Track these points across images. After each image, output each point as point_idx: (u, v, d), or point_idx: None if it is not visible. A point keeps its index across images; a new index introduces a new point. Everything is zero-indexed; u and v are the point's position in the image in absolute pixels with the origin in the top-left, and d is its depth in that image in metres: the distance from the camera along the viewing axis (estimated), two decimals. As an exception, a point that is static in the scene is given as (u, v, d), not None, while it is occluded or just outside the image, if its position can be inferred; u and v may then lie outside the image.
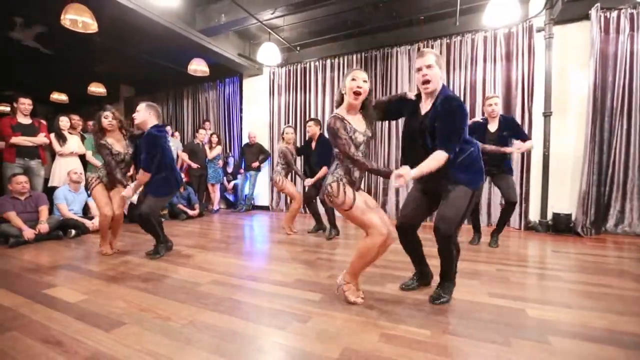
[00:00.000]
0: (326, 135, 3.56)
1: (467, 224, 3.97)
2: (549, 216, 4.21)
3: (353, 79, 1.81)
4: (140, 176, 2.82)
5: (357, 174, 1.90)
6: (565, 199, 4.22)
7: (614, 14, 3.93)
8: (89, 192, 2.96)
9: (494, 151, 3.15)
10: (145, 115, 2.81)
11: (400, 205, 5.29)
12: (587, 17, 4.01)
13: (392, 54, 5.26)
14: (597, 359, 1.34)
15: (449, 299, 1.89)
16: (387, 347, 1.41)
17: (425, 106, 1.86)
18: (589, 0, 3.96)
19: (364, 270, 1.88)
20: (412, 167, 1.86)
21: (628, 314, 1.74)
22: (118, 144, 2.94)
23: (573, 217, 4.07)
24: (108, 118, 2.88)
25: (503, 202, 3.46)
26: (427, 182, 1.90)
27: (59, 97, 7.41)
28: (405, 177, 1.60)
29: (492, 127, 3.24)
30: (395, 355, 1.35)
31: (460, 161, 1.80)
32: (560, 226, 4.06)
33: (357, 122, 1.87)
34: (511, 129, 3.20)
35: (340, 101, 1.91)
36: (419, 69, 1.81)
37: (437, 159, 1.70)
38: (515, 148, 3.22)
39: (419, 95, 1.93)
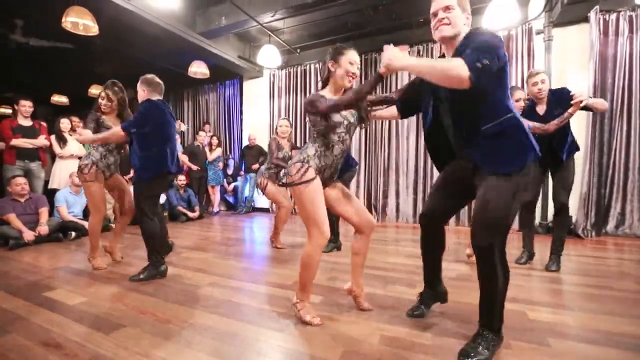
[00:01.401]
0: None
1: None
2: (550, 218, 4.20)
3: (351, 63, 1.62)
4: (113, 132, 2.39)
5: (329, 159, 1.66)
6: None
7: (613, 16, 3.95)
8: (81, 181, 2.59)
9: (557, 125, 2.36)
10: (141, 93, 2.45)
11: (401, 208, 5.33)
12: (586, 19, 4.02)
13: (392, 56, 5.26)
14: (592, 359, 1.34)
15: (487, 359, 1.30)
16: (388, 349, 1.41)
17: None
18: (588, 2, 3.98)
19: (311, 282, 1.69)
20: (441, 167, 1.61)
21: (629, 316, 1.73)
22: (111, 123, 2.64)
23: (574, 219, 4.06)
24: (104, 100, 2.61)
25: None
26: (454, 161, 1.51)
27: (59, 99, 7.42)
28: (391, 58, 1.28)
29: (541, 108, 2.56)
30: (395, 358, 1.34)
31: (488, 130, 1.30)
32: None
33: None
34: (566, 103, 2.37)
35: (327, 81, 1.68)
36: (434, 14, 1.39)
37: (448, 62, 1.21)
38: (576, 102, 2.26)
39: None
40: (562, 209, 2.58)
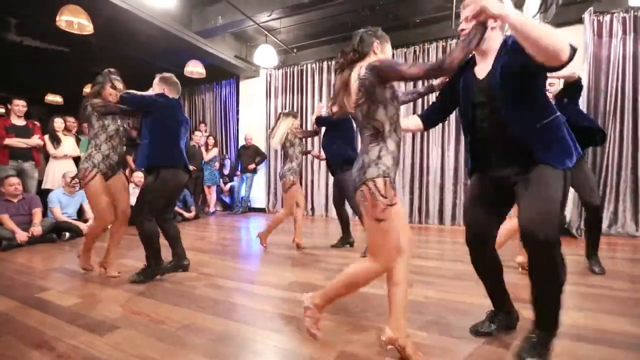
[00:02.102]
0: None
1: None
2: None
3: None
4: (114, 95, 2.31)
5: (398, 161, 1.41)
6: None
7: (607, 17, 3.99)
8: (81, 187, 2.38)
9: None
10: (159, 91, 2.36)
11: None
12: (580, 21, 4.05)
13: (389, 57, 5.28)
14: (591, 359, 1.34)
15: None
16: (384, 349, 1.41)
17: (482, 68, 1.40)
18: (583, 4, 4.02)
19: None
20: (481, 165, 1.46)
21: (622, 314, 1.75)
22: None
23: (567, 219, 4.10)
24: (114, 89, 2.38)
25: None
26: (491, 167, 1.43)
27: (53, 98, 7.36)
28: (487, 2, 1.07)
29: None
30: (391, 357, 1.34)
31: (542, 127, 1.29)
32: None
33: None
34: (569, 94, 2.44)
35: (357, 61, 1.40)
36: (460, 24, 1.41)
37: (554, 32, 1.08)
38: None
39: (467, 63, 1.45)
40: (597, 211, 2.46)
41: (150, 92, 2.40)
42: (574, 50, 1.10)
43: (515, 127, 1.31)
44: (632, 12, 3.88)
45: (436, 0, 4.39)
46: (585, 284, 2.26)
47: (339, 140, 3.22)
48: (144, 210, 2.29)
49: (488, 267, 1.51)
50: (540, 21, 4.23)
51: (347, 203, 3.36)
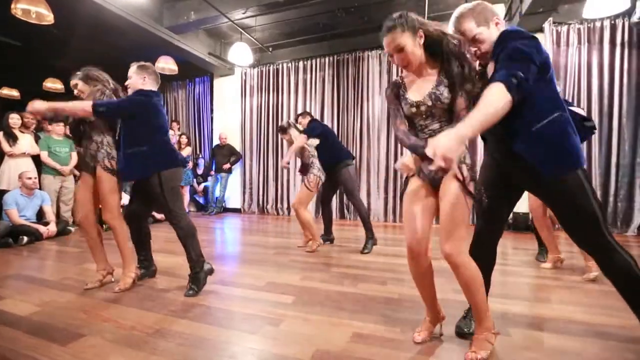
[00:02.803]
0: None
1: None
2: (509, 215, 4.46)
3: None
4: (83, 106, 1.99)
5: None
6: (524, 198, 4.49)
7: (564, 28, 4.28)
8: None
9: None
10: (138, 80, 2.16)
11: (372, 207, 5.43)
12: (541, 30, 4.32)
13: (364, 58, 5.37)
14: (553, 347, 1.44)
15: None
16: (359, 346, 1.43)
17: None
18: (543, 14, 4.28)
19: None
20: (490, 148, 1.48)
21: (579, 305, 1.88)
22: None
23: (531, 217, 4.34)
24: (75, 89, 2.19)
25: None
26: (504, 159, 1.41)
27: (9, 92, 6.83)
28: (444, 149, 1.00)
29: None
30: (366, 355, 1.37)
31: (538, 130, 1.24)
32: (520, 225, 4.33)
33: (417, 87, 1.41)
34: None
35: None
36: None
37: (490, 97, 1.10)
38: None
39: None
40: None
41: (129, 81, 2.20)
42: (515, 87, 1.10)
43: (508, 130, 1.30)
44: (585, 24, 4.20)
45: (409, 4, 4.50)
46: (545, 277, 2.42)
47: (320, 151, 3.24)
48: (171, 210, 2.12)
49: (484, 261, 1.54)
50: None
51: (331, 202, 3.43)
